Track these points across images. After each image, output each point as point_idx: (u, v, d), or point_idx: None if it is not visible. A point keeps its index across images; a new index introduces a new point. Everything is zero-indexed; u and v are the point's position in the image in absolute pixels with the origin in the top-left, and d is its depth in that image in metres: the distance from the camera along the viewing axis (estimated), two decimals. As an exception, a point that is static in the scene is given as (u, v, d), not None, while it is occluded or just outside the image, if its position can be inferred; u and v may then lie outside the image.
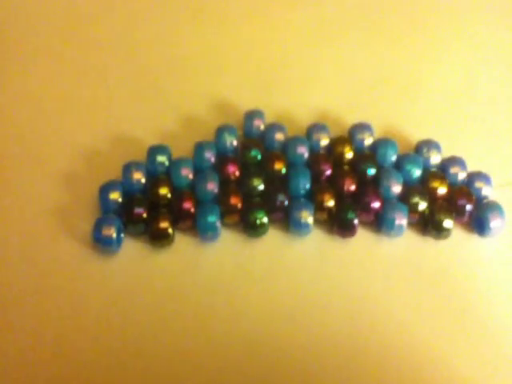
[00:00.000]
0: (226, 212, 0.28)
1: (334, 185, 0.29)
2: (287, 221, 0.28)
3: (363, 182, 0.29)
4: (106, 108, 0.33)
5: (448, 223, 0.28)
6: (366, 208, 0.28)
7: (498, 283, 0.28)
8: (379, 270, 0.28)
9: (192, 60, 0.35)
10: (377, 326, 0.27)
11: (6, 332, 0.27)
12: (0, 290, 0.28)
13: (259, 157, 0.30)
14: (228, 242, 0.29)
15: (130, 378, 0.26)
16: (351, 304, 0.28)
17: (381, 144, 0.30)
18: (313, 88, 0.34)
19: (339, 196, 0.29)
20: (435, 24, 0.37)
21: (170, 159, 0.30)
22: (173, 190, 0.29)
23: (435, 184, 0.29)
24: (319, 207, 0.28)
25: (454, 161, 0.30)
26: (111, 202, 0.28)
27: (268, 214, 0.28)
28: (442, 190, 0.29)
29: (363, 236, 0.29)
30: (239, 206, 0.28)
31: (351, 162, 0.30)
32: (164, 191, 0.28)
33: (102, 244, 0.27)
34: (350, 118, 0.32)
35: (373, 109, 0.33)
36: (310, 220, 0.28)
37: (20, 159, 0.31)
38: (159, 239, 0.28)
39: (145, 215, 0.28)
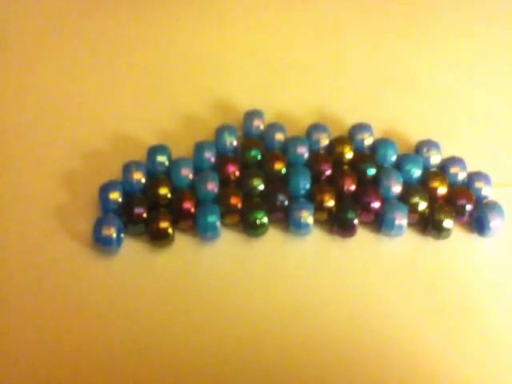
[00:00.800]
0: (226, 212, 0.28)
1: (334, 185, 0.29)
2: (287, 221, 0.28)
3: (363, 182, 0.29)
4: (106, 108, 0.33)
5: (448, 223, 0.28)
6: (366, 208, 0.28)
7: (497, 283, 0.28)
8: (379, 270, 0.28)
9: (192, 60, 0.35)
10: (377, 325, 0.27)
11: (6, 332, 0.27)
12: (0, 290, 0.28)
13: (259, 157, 0.30)
14: (228, 242, 0.29)
15: (130, 377, 0.26)
16: (351, 304, 0.28)
17: (381, 144, 0.30)
18: (313, 88, 0.34)
19: (339, 196, 0.29)
20: (435, 24, 0.37)
21: (169, 159, 0.30)
22: (173, 190, 0.29)
23: (435, 184, 0.29)
24: (319, 207, 0.28)
25: (454, 161, 0.30)
26: (111, 202, 0.28)
27: (268, 214, 0.28)
28: (442, 190, 0.29)
29: (363, 236, 0.29)
30: (239, 205, 0.28)
31: (351, 162, 0.30)
32: (164, 191, 0.28)
33: (101, 244, 0.27)
34: (350, 118, 0.32)
35: (373, 109, 0.33)
36: (310, 220, 0.28)
37: (20, 160, 0.31)
38: (159, 239, 0.28)
39: (145, 215, 0.28)
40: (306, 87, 0.34)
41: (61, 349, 0.26)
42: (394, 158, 0.30)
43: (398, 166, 0.30)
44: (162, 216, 0.28)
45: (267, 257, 0.29)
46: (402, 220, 0.28)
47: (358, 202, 0.29)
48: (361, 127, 0.31)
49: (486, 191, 0.29)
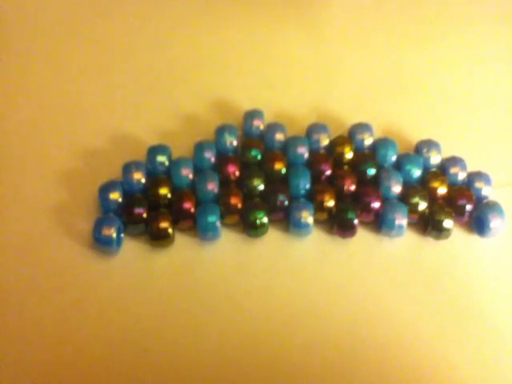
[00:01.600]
0: (226, 212, 0.28)
1: (334, 185, 0.29)
2: (287, 221, 0.28)
3: (363, 182, 0.29)
4: (107, 108, 0.33)
5: (448, 223, 0.28)
6: (366, 208, 0.28)
7: (497, 283, 0.28)
8: (379, 269, 0.28)
9: (192, 60, 0.35)
10: (377, 325, 0.27)
11: (6, 332, 0.27)
12: (0, 289, 0.28)
13: (259, 157, 0.30)
14: (228, 242, 0.29)
15: (130, 377, 0.26)
16: (351, 303, 0.28)
17: (381, 144, 0.30)
18: (313, 88, 0.34)
19: (339, 196, 0.29)
20: (435, 24, 0.37)
21: (170, 159, 0.30)
22: (173, 190, 0.29)
23: (435, 184, 0.29)
24: (319, 207, 0.28)
25: (454, 161, 0.30)
26: (111, 202, 0.28)
27: (268, 214, 0.28)
28: (442, 190, 0.29)
29: (363, 236, 0.29)
30: (239, 206, 0.28)
31: (351, 162, 0.30)
32: (164, 191, 0.28)
33: (101, 244, 0.27)
34: (350, 118, 0.32)
35: (373, 109, 0.33)
36: (310, 220, 0.28)
37: (20, 159, 0.31)
38: (159, 239, 0.28)
39: (145, 215, 0.28)
40: (305, 87, 0.34)
41: (61, 348, 0.26)
42: (394, 158, 0.30)
43: (398, 166, 0.30)
44: (161, 216, 0.28)
45: (267, 257, 0.29)
46: (402, 220, 0.28)
47: (358, 202, 0.29)
48: (361, 127, 0.31)
49: (486, 191, 0.29)
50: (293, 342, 0.27)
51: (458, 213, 0.29)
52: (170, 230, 0.28)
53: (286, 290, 0.28)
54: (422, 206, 0.29)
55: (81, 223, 0.29)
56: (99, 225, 0.27)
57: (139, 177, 0.29)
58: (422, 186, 0.29)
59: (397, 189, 0.29)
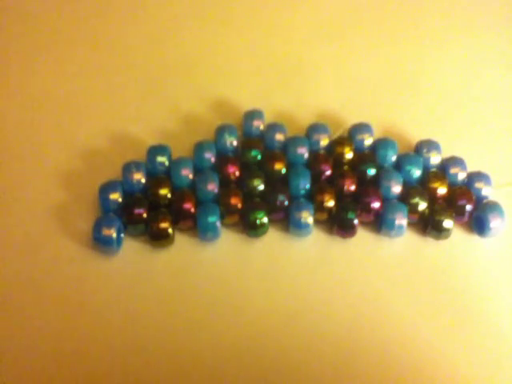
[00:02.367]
0: (226, 212, 0.28)
1: (334, 185, 0.29)
2: (287, 221, 0.28)
3: (363, 182, 0.29)
4: (107, 108, 0.33)
5: (448, 223, 0.28)
6: (366, 208, 0.28)
7: (498, 283, 0.28)
8: (379, 270, 0.28)
9: (192, 60, 0.35)
10: (377, 325, 0.27)
11: (6, 332, 0.27)
12: (0, 289, 0.28)
13: (259, 157, 0.30)
14: (228, 242, 0.29)
15: (130, 377, 0.26)
16: (351, 304, 0.28)
17: (381, 144, 0.30)
18: (313, 88, 0.34)
19: (339, 196, 0.29)
20: (435, 24, 0.37)
21: (170, 159, 0.30)
22: (173, 190, 0.29)
23: (435, 184, 0.29)
24: (319, 207, 0.28)
25: (454, 161, 0.30)
26: (111, 202, 0.28)
27: (268, 213, 0.28)
28: (442, 190, 0.29)
29: (363, 236, 0.29)
30: (239, 205, 0.28)
31: (351, 162, 0.30)
32: (164, 191, 0.28)
33: (101, 244, 0.27)
34: (350, 118, 0.32)
35: (373, 109, 0.33)
36: (310, 220, 0.28)
37: (20, 159, 0.31)
38: (159, 239, 0.28)
39: (145, 215, 0.28)
40: (306, 87, 0.34)
41: (61, 349, 0.26)
42: (394, 158, 0.30)
43: (398, 166, 0.30)
44: (161, 216, 0.28)
45: (267, 257, 0.29)
46: (402, 220, 0.28)
47: (357, 202, 0.29)
48: (361, 127, 0.31)
49: (486, 191, 0.29)
50: (293, 342, 0.27)
51: (458, 213, 0.29)
52: (170, 230, 0.28)
53: (285, 290, 0.28)
54: (422, 206, 0.29)
55: (81, 223, 0.29)
56: (99, 225, 0.27)
57: (139, 177, 0.29)
58: (422, 186, 0.29)
59: (397, 189, 0.29)
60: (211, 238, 0.28)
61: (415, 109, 0.34)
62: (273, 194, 0.28)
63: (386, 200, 0.29)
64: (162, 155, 0.30)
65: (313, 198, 0.28)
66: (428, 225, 0.29)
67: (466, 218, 0.29)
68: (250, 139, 0.31)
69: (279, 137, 0.30)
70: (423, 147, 0.31)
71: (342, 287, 0.28)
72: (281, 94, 0.34)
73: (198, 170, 0.29)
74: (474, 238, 0.29)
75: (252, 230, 0.28)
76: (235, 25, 0.37)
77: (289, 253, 0.29)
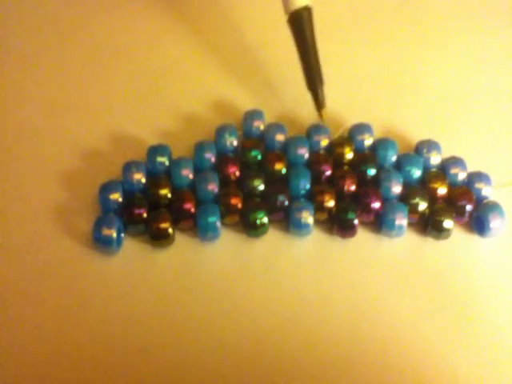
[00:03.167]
0: (226, 212, 0.28)
1: (334, 185, 0.29)
2: (287, 221, 0.28)
3: (363, 183, 0.29)
4: (107, 108, 0.33)
5: (448, 223, 0.28)
6: (366, 208, 0.28)
7: (498, 283, 0.28)
8: (379, 270, 0.28)
9: (192, 60, 0.35)
10: (377, 325, 0.27)
11: (6, 332, 0.27)
12: (0, 289, 0.28)
13: (259, 157, 0.30)
14: (228, 242, 0.29)
15: (131, 377, 0.26)
16: (352, 303, 0.28)
17: (381, 144, 0.30)
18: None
19: (339, 196, 0.29)
20: (435, 24, 0.37)
21: (170, 159, 0.30)
22: (173, 190, 0.29)
23: (435, 184, 0.29)
24: (319, 207, 0.28)
25: (454, 161, 0.30)
26: (111, 202, 0.28)
27: (268, 213, 0.28)
28: (442, 191, 0.29)
29: (363, 236, 0.29)
30: (239, 205, 0.28)
31: (351, 163, 0.30)
32: (164, 191, 0.28)
33: (101, 244, 0.27)
34: (350, 118, 0.32)
35: (373, 109, 0.33)
36: (310, 220, 0.28)
37: (20, 159, 0.31)
38: (159, 239, 0.28)
39: (145, 215, 0.28)
40: (305, 87, 0.34)
41: (61, 349, 0.26)
42: (394, 158, 0.30)
43: (398, 166, 0.30)
44: (162, 216, 0.28)
45: (267, 257, 0.29)
46: (402, 220, 0.28)
47: (358, 202, 0.29)
48: (361, 127, 0.31)
49: (486, 191, 0.29)
50: (293, 342, 0.27)
51: (458, 213, 0.29)
52: (170, 230, 0.28)
53: (285, 290, 0.28)
54: (422, 206, 0.29)
55: (81, 223, 0.29)
56: (99, 225, 0.27)
57: (139, 177, 0.29)
58: (422, 186, 0.29)
59: (397, 189, 0.29)
60: (211, 238, 0.28)
61: (415, 109, 0.34)
62: (273, 194, 0.28)
63: (386, 200, 0.29)
64: (162, 155, 0.30)
65: (313, 198, 0.28)
66: (428, 225, 0.29)
67: (466, 218, 0.29)
68: (250, 139, 0.31)
69: (279, 137, 0.30)
70: (423, 147, 0.31)
71: (342, 287, 0.28)
72: (281, 93, 0.34)
73: (198, 170, 0.29)
74: (474, 238, 0.29)
75: (252, 229, 0.28)
76: (235, 24, 0.37)
77: (289, 253, 0.29)
